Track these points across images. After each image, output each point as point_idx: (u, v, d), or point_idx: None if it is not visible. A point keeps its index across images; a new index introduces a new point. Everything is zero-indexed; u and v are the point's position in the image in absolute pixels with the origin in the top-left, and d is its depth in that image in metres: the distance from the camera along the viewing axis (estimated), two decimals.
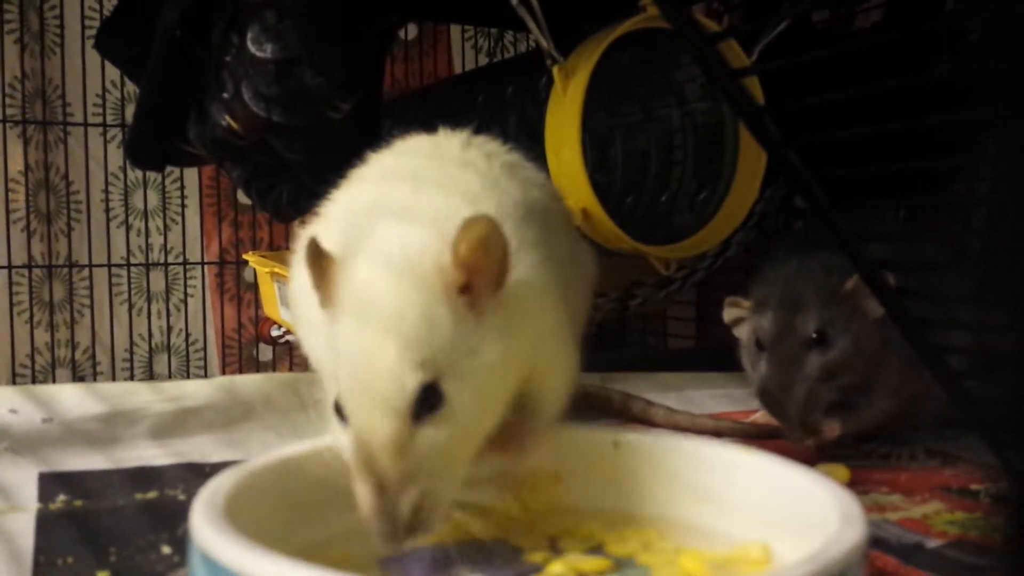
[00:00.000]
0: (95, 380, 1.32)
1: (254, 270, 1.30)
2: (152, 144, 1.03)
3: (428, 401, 0.39)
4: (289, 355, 1.46)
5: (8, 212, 1.27)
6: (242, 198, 1.38)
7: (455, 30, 1.52)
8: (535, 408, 0.47)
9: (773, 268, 0.73)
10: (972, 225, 0.90)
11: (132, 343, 1.37)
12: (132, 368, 1.37)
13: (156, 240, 1.39)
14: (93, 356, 1.35)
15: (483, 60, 1.53)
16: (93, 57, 1.25)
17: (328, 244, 0.43)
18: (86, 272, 1.34)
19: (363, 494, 0.39)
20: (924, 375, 0.62)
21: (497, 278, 0.42)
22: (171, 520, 0.56)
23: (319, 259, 0.42)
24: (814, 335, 0.66)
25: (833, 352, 0.66)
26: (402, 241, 0.42)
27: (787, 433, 0.70)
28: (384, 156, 0.56)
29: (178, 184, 1.39)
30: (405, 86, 1.48)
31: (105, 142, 1.34)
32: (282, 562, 0.33)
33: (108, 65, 1.25)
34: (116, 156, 1.34)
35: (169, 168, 1.31)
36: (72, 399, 0.87)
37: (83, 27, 1.30)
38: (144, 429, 0.80)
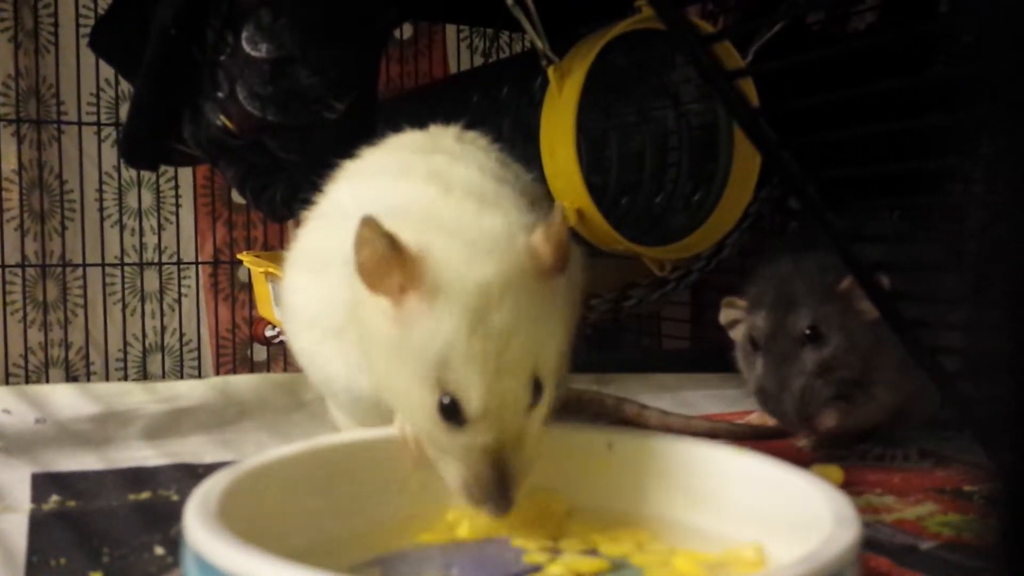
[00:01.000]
0: (88, 380, 1.31)
1: (248, 270, 1.30)
2: (146, 143, 1.03)
3: (536, 394, 0.42)
4: (283, 355, 1.46)
5: (1, 211, 1.27)
6: (236, 198, 1.38)
7: (450, 30, 1.52)
8: None
9: (767, 267, 0.73)
10: (967, 226, 0.90)
11: (126, 343, 1.37)
12: (126, 368, 1.37)
13: (150, 239, 1.38)
14: (87, 356, 1.34)
15: (478, 60, 1.53)
16: (87, 56, 1.25)
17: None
18: (80, 271, 1.34)
19: (484, 482, 0.41)
20: (920, 374, 0.62)
21: (564, 264, 0.43)
22: (164, 521, 0.55)
23: (387, 244, 0.41)
24: (808, 331, 0.67)
25: (827, 348, 0.66)
26: (491, 233, 0.43)
27: (785, 429, 0.70)
28: (388, 150, 0.56)
29: (172, 183, 1.38)
30: (400, 86, 1.48)
31: (99, 141, 1.34)
32: (276, 563, 0.33)
33: (102, 64, 1.25)
34: (110, 155, 1.34)
35: (163, 167, 1.31)
36: (65, 399, 0.87)
37: (77, 25, 1.30)
38: (137, 429, 0.80)
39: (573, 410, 0.75)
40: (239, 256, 1.29)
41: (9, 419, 0.81)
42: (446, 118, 0.59)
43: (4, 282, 1.28)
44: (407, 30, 1.49)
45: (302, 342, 0.53)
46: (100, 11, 1.26)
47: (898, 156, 0.60)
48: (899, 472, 0.69)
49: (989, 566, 0.25)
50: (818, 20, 1.14)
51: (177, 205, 1.39)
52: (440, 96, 1.25)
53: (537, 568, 0.42)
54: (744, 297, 0.73)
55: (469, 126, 0.58)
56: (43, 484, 0.64)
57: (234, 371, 1.42)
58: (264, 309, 1.22)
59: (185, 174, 1.39)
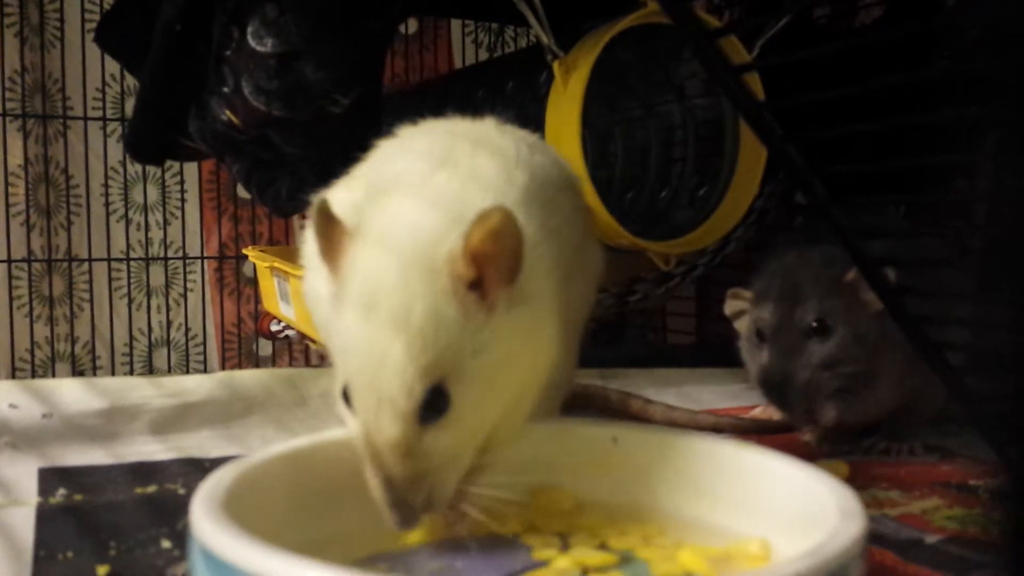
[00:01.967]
0: (95, 375, 1.32)
1: (254, 265, 1.30)
2: (152, 138, 1.03)
3: (435, 403, 0.39)
4: (289, 350, 1.46)
5: (8, 206, 1.27)
6: (242, 192, 1.38)
7: (455, 25, 1.52)
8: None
9: (773, 260, 0.73)
10: (973, 221, 0.90)
11: (132, 337, 1.37)
12: (132, 363, 1.37)
13: (156, 234, 1.38)
14: (93, 351, 1.35)
15: (483, 55, 1.53)
16: (93, 51, 1.25)
17: (341, 211, 0.41)
18: (85, 266, 1.34)
19: (374, 485, 0.39)
20: (925, 369, 0.62)
21: (510, 272, 0.40)
22: (171, 515, 0.56)
23: (329, 226, 0.41)
24: (814, 324, 0.67)
25: (833, 341, 0.66)
26: (413, 228, 0.40)
27: (790, 421, 0.70)
28: (411, 133, 0.55)
29: (178, 178, 1.39)
30: (405, 81, 1.48)
31: (105, 136, 1.34)
32: (283, 557, 0.33)
33: (108, 59, 1.25)
34: (116, 150, 1.34)
35: (169, 162, 1.30)
36: (72, 394, 0.87)
37: (83, 21, 1.30)
38: (144, 424, 0.80)
39: (578, 405, 0.75)
40: (245, 251, 1.29)
41: (16, 413, 0.81)
42: (451, 113, 0.59)
43: (10, 277, 1.29)
44: (412, 25, 1.49)
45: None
46: (106, 6, 1.26)
47: (904, 151, 0.60)
48: (904, 466, 0.69)
49: (994, 560, 0.25)
50: (824, 15, 1.14)
51: (183, 200, 1.39)
52: (445, 91, 1.25)
53: (545, 563, 0.42)
54: (750, 289, 0.73)
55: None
56: (50, 478, 0.64)
57: (240, 366, 1.42)
58: (270, 304, 1.22)
59: (191, 169, 1.39)
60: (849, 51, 0.60)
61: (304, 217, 0.58)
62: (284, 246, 1.35)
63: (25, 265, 1.30)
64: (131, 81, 1.29)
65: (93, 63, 1.30)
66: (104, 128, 1.34)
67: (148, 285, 1.39)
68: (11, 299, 1.29)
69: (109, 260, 1.34)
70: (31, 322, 1.30)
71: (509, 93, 1.03)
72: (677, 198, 1.05)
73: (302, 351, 1.45)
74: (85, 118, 1.32)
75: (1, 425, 0.77)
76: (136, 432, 0.77)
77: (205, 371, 1.37)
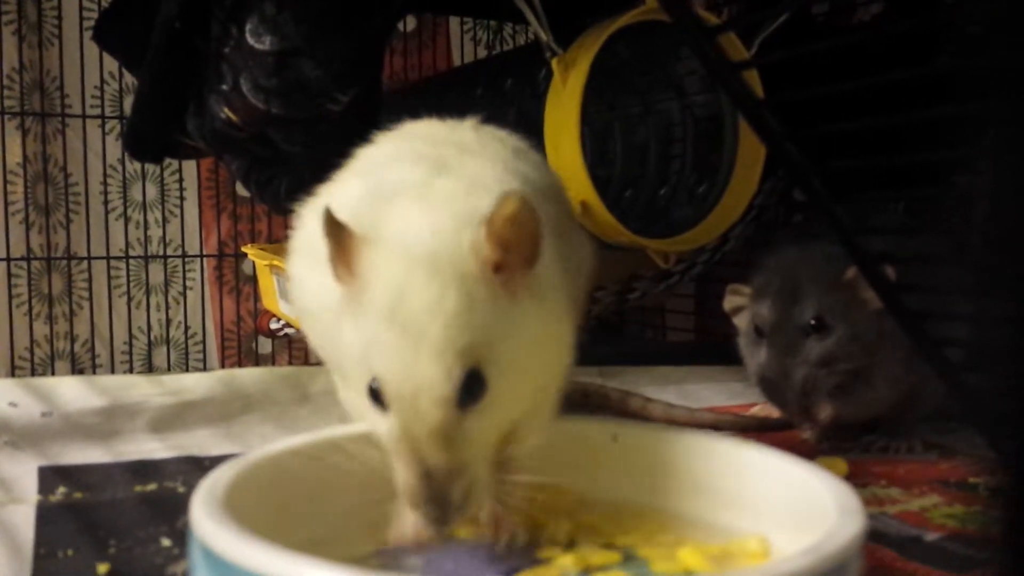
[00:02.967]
0: (94, 373, 1.32)
1: (253, 263, 1.30)
2: (151, 136, 1.03)
3: (471, 388, 0.39)
4: (288, 348, 1.46)
5: (6, 204, 1.27)
6: (241, 190, 1.38)
7: (454, 22, 1.52)
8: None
9: (773, 257, 0.73)
10: (972, 218, 0.89)
11: (131, 336, 1.37)
12: (131, 361, 1.37)
13: (155, 232, 1.38)
14: (92, 349, 1.35)
15: (482, 52, 1.53)
16: (91, 49, 1.25)
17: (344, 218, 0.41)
18: (85, 264, 1.34)
19: (409, 480, 0.39)
20: (923, 366, 0.62)
21: (530, 257, 0.41)
22: (171, 513, 0.56)
23: (340, 233, 0.41)
24: (812, 322, 0.67)
25: (831, 339, 0.67)
26: (431, 227, 0.41)
27: (788, 418, 0.70)
28: (392, 138, 0.55)
29: (177, 176, 1.38)
30: (404, 78, 1.48)
31: (103, 134, 1.34)
32: (282, 555, 0.33)
33: (106, 57, 1.25)
34: (114, 148, 1.34)
35: (168, 160, 1.30)
36: (71, 392, 0.88)
37: (81, 18, 1.30)
38: (144, 422, 0.80)
39: (578, 403, 0.75)
40: (244, 249, 1.29)
41: (16, 412, 0.81)
42: (450, 111, 0.59)
43: (9, 275, 1.29)
44: (411, 22, 1.49)
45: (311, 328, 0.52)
46: (104, 4, 1.26)
47: (903, 148, 0.60)
48: (904, 464, 0.69)
49: (993, 558, 0.25)
50: (823, 12, 1.14)
51: (182, 198, 1.39)
52: (444, 89, 1.25)
53: (547, 561, 0.42)
54: (749, 285, 0.73)
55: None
56: (50, 476, 0.64)
57: (239, 364, 1.42)
58: (269, 302, 1.22)
59: (189, 167, 1.39)
60: (848, 47, 0.60)
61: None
62: (283, 244, 1.35)
63: (24, 263, 1.30)
64: (129, 79, 1.29)
65: (91, 61, 1.30)
66: (103, 126, 1.34)
67: (147, 283, 1.39)
68: (10, 297, 1.29)
69: (108, 258, 1.34)
70: (30, 320, 1.30)
71: (508, 90, 1.03)
72: (676, 195, 1.05)
73: (302, 349, 1.45)
74: (84, 116, 1.32)
75: (1, 423, 0.77)
76: (136, 430, 0.77)
77: (204, 369, 1.37)
